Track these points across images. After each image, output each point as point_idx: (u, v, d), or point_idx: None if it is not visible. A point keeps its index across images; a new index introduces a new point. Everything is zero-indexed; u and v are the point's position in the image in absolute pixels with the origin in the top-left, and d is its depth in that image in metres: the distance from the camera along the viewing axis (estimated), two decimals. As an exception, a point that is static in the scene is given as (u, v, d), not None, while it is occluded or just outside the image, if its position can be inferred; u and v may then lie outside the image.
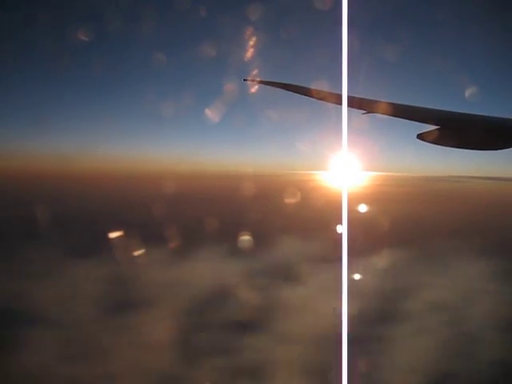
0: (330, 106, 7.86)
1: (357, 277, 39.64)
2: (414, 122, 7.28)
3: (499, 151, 7.21)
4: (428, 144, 7.36)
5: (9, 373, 27.75)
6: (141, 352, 30.48)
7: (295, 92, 7.99)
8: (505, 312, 36.65)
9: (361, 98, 7.84)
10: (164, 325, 33.93)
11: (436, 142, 7.33)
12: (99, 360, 29.45)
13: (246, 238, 51.19)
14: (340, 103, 7.62)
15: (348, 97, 7.62)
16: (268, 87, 8.22)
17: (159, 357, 30.25)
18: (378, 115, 7.68)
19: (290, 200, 72.09)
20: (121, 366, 28.99)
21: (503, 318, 35.59)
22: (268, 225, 60.11)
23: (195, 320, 35.48)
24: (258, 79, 8.42)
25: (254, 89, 8.49)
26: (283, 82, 8.20)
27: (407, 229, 63.04)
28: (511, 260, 47.97)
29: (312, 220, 64.43)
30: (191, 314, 36.16)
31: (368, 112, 7.68)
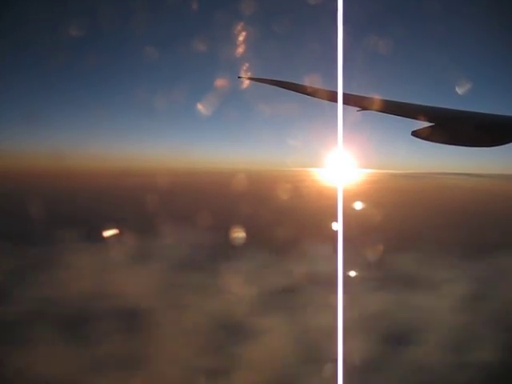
0: (325, 103, 7.84)
1: (352, 273, 39.89)
2: (408, 119, 7.28)
3: (494, 148, 7.22)
4: (423, 141, 7.36)
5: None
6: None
7: (290, 89, 7.96)
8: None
9: (355, 95, 7.82)
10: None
11: (431, 138, 7.32)
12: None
13: (238, 235, 51.15)
14: (334, 100, 7.59)
15: (343, 94, 7.59)
16: (263, 84, 8.19)
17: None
18: (373, 112, 7.66)
19: (283, 197, 72.09)
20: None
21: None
22: (261, 222, 60.08)
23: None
24: (253, 76, 8.39)
25: (249, 86, 8.46)
26: (278, 79, 8.17)
27: (396, 226, 63.67)
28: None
29: (306, 217, 64.53)
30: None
31: (363, 109, 7.66)
